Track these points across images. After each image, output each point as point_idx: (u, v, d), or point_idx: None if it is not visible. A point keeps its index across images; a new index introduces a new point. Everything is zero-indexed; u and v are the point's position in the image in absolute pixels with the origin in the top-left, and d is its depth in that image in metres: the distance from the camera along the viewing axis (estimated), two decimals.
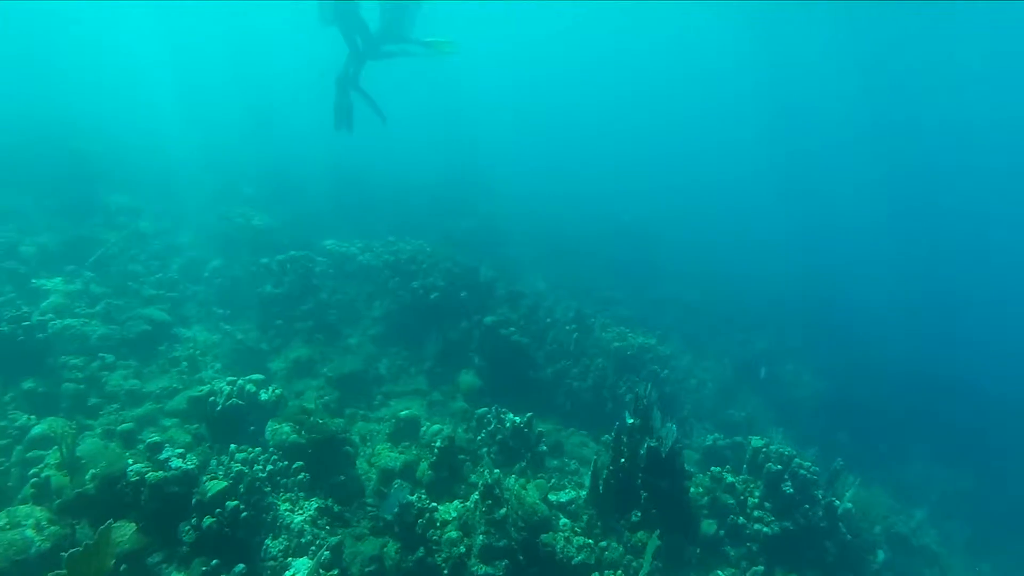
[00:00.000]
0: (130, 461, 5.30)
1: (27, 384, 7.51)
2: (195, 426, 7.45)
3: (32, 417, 7.16)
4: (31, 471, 5.96)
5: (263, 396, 6.50)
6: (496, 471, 6.83)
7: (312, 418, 6.54)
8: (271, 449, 6.01)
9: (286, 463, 5.80)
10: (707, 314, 18.83)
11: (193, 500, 4.99)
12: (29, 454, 6.57)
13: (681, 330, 16.57)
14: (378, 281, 12.29)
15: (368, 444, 8.15)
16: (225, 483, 5.06)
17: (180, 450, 5.40)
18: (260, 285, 10.76)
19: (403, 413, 8.73)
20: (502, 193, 25.68)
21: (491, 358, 10.78)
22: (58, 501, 5.32)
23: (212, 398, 6.39)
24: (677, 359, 13.69)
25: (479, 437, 8.23)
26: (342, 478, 6.43)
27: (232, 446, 5.90)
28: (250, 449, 5.80)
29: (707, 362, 15.36)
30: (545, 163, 37.51)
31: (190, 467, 5.18)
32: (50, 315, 8.63)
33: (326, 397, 9.34)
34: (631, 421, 6.89)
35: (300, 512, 5.39)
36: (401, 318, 11.83)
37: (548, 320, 12.54)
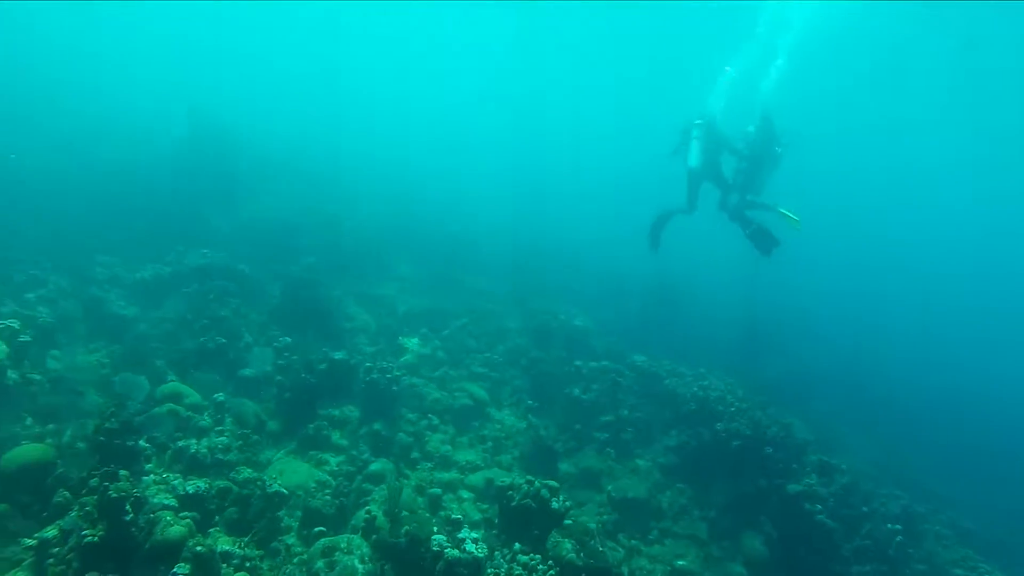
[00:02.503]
0: (435, 529, 6.20)
1: (377, 425, 9.40)
2: (487, 507, 8.36)
3: (372, 454, 8.94)
4: (364, 504, 7.43)
5: (554, 504, 6.97)
6: None
7: (593, 542, 6.75)
8: (550, 561, 6.37)
9: None
10: None
11: None
12: (364, 485, 8.19)
13: None
14: (680, 411, 12.26)
15: None
16: None
17: (475, 535, 6.11)
18: (569, 386, 11.69)
19: (679, 563, 8.44)
20: (823, 335, 23.59)
21: (786, 531, 9.91)
22: (375, 537, 6.50)
23: (510, 492, 7.10)
24: None
25: None
26: None
27: (516, 545, 6.43)
28: (532, 555, 6.23)
29: None
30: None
31: (480, 555, 5.81)
32: (403, 372, 10.71)
33: (605, 516, 9.58)
34: None
35: None
36: (695, 455, 11.57)
37: (865, 508, 10.95)
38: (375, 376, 9.74)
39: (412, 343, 12.09)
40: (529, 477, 7.33)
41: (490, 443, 10.13)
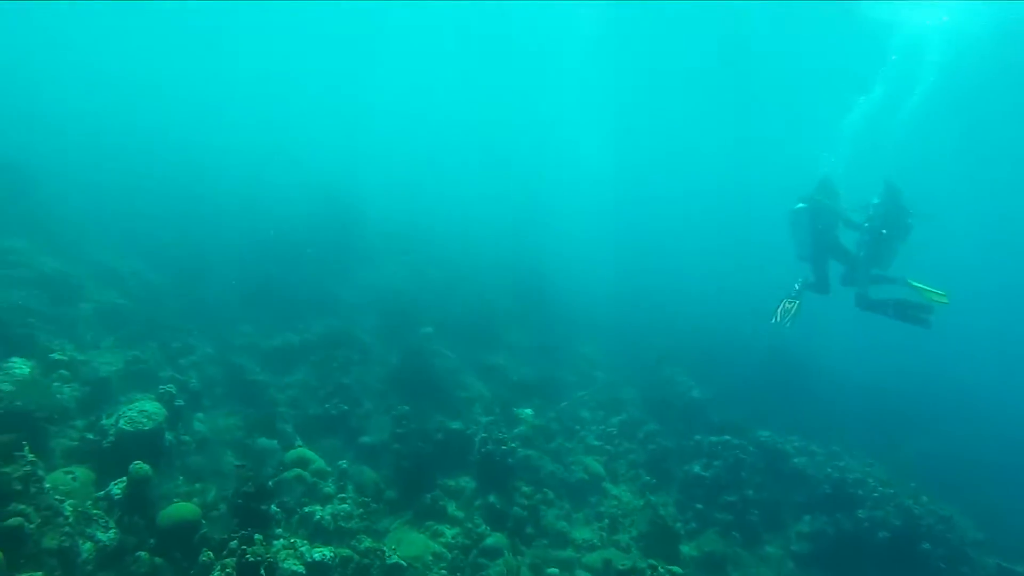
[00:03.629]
0: None
1: (491, 497, 9.44)
2: None
3: (487, 528, 8.93)
4: None
5: None
6: None
7: None
8: None
9: None
10: None
11: None
12: (480, 559, 8.18)
13: None
14: (813, 493, 11.40)
15: None
16: None
17: None
18: (688, 462, 11.25)
19: None
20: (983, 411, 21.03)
21: None
22: None
23: None
24: None
25: None
26: None
27: None
28: None
29: None
30: None
31: None
32: (518, 443, 10.74)
33: None
34: None
35: None
36: (834, 545, 10.68)
37: None
38: (490, 447, 9.85)
39: (526, 414, 12.13)
40: (652, 561, 7.07)
41: (607, 520, 9.85)
